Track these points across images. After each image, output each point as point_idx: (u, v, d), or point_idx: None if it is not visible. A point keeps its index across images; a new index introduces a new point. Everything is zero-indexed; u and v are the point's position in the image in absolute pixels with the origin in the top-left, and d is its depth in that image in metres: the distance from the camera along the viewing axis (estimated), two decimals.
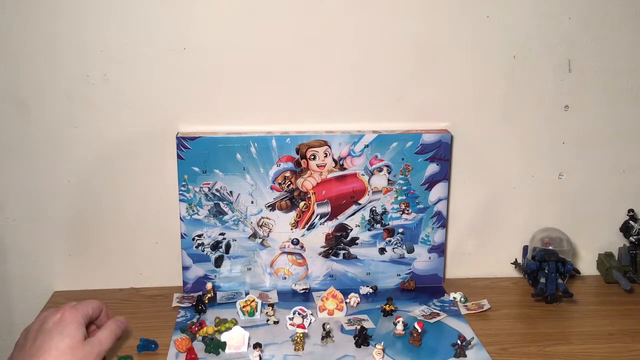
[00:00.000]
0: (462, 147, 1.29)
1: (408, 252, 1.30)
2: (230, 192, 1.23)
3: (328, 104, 1.26)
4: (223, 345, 1.07)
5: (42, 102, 1.21)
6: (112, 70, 1.20)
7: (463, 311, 1.21)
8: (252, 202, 1.24)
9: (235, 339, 1.07)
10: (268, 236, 1.26)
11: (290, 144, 1.22)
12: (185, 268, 1.27)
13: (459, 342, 1.06)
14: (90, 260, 1.30)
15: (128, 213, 1.28)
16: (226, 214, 1.24)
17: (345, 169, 1.24)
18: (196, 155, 1.21)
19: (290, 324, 1.13)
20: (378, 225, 1.28)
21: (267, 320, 1.16)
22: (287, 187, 1.24)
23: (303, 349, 1.07)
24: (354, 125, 1.26)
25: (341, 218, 1.27)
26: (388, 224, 1.28)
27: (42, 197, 1.26)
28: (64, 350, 0.79)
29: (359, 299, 1.23)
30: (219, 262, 1.27)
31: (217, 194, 1.23)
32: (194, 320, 1.16)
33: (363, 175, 1.25)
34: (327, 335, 1.09)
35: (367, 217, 1.27)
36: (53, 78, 1.20)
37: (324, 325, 1.10)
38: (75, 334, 0.81)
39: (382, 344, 1.05)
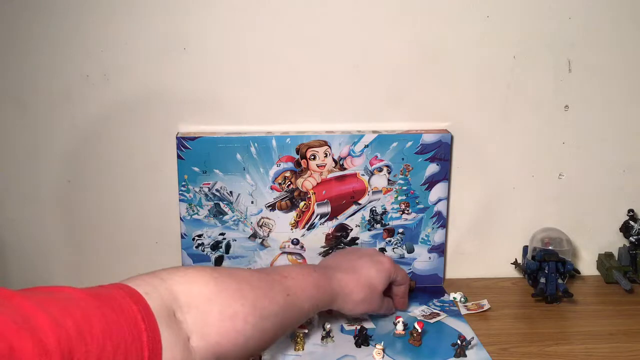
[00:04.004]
0: (462, 147, 1.29)
1: (408, 252, 1.30)
2: (230, 192, 1.23)
3: (328, 104, 1.26)
4: None
5: (42, 102, 1.21)
6: (112, 70, 1.20)
7: (463, 311, 1.21)
8: (252, 202, 1.24)
9: None
10: (268, 236, 1.26)
11: (290, 144, 1.22)
12: None
13: (459, 342, 1.05)
14: (90, 260, 1.30)
15: (128, 213, 1.28)
16: (226, 214, 1.24)
17: (345, 169, 1.24)
18: (196, 155, 1.21)
19: None
20: (378, 225, 1.28)
21: None
22: (287, 187, 1.24)
23: (303, 349, 1.07)
24: (354, 125, 1.26)
25: (341, 218, 1.27)
26: (388, 224, 1.28)
27: (42, 197, 1.26)
28: (366, 283, 1.05)
29: None
30: (219, 262, 1.27)
31: (217, 194, 1.23)
32: None
33: (363, 175, 1.25)
34: (327, 335, 1.09)
35: (367, 217, 1.27)
36: (53, 78, 1.20)
37: (324, 325, 1.10)
38: (383, 281, 1.08)
39: (382, 344, 1.05)
